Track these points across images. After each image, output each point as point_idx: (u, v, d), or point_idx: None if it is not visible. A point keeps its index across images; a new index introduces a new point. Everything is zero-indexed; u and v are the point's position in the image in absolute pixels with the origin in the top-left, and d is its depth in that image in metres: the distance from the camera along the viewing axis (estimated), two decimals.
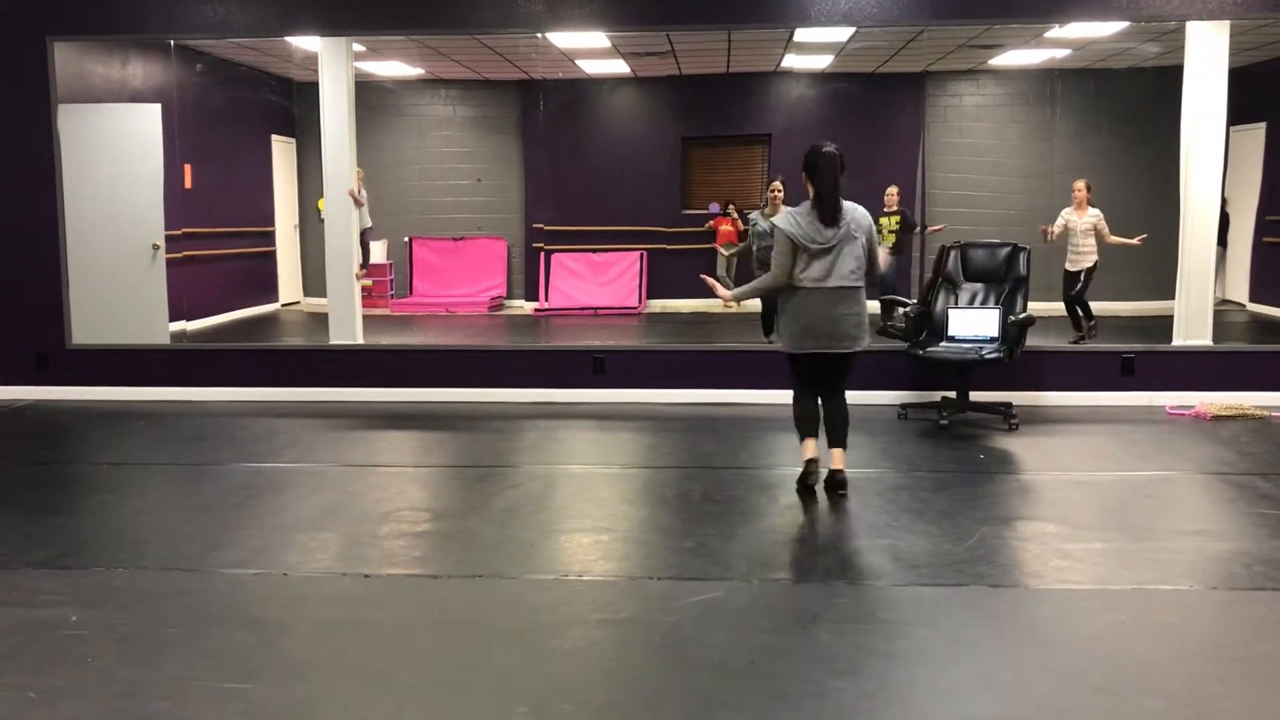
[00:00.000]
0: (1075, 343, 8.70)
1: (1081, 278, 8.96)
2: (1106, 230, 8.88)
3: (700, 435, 6.66)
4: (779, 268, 5.21)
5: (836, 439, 5.40)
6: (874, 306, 6.76)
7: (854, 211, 5.21)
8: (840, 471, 5.34)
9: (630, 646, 3.65)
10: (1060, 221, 9.00)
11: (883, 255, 5.51)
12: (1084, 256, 8.97)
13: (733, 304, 5.80)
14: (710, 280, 5.78)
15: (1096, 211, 8.91)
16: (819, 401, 5.43)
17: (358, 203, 8.40)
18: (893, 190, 10.58)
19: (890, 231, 10.56)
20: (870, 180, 10.79)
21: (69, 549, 4.64)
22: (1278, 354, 7.80)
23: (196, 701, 3.20)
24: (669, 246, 12.50)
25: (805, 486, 5.37)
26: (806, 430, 5.39)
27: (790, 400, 5.51)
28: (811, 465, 5.35)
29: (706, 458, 6.20)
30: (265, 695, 3.26)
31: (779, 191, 8.97)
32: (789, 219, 5.20)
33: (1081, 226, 8.90)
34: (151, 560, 4.49)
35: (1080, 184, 9.00)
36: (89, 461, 6.43)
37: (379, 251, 12.74)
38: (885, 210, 10.63)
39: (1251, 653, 3.55)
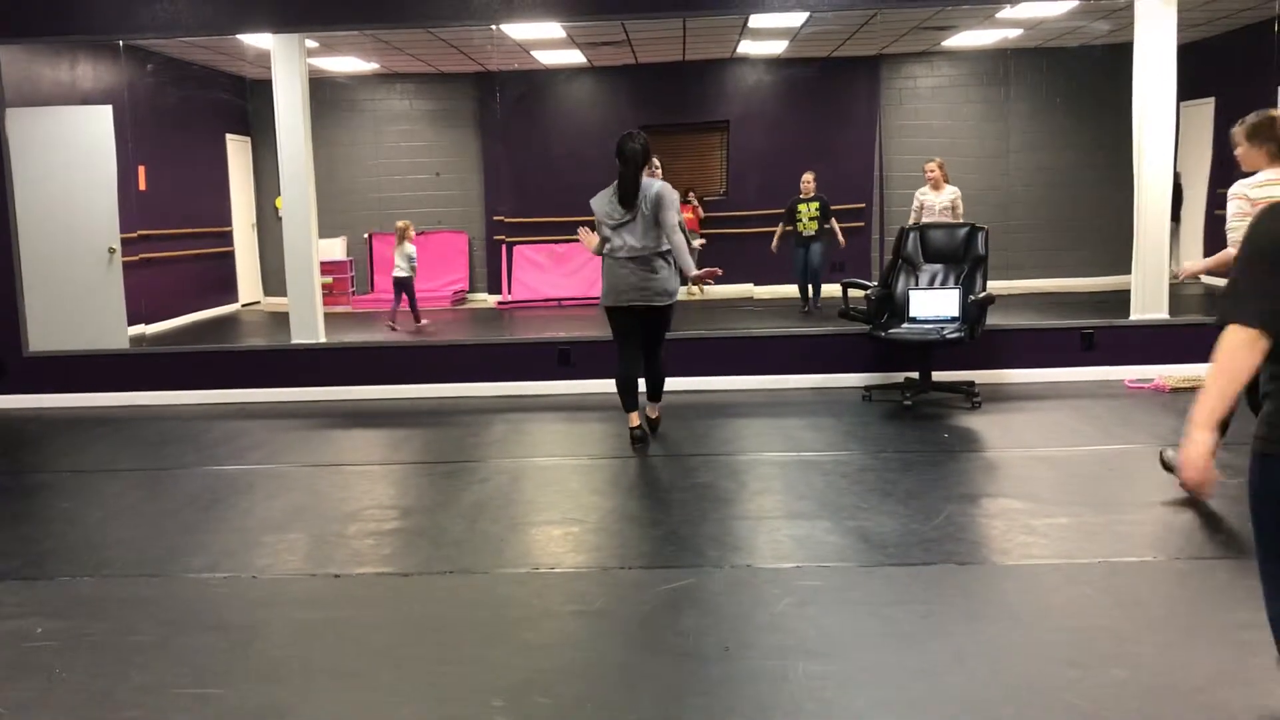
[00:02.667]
0: None
1: None
2: (961, 209, 8.96)
3: (667, 423, 6.67)
4: (596, 244, 6.20)
5: (653, 395, 6.44)
6: (835, 290, 6.82)
7: (649, 189, 5.97)
8: (655, 419, 6.49)
9: (604, 637, 3.66)
10: (916, 203, 9.10)
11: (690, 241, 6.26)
12: None
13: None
14: (583, 231, 6.45)
15: (954, 189, 9.01)
16: (638, 378, 6.25)
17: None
18: (809, 177, 10.50)
19: (811, 219, 10.51)
20: (827, 163, 10.86)
21: (33, 559, 4.58)
22: None
23: (169, 708, 3.18)
24: None
25: (635, 448, 6.16)
26: (629, 405, 6.23)
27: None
28: (636, 430, 6.20)
29: (674, 445, 6.22)
30: (238, 699, 3.24)
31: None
32: (599, 200, 6.11)
33: (940, 204, 9.00)
34: (118, 568, 4.45)
35: (933, 164, 9.11)
36: (50, 470, 6.35)
37: (338, 249, 12.65)
38: (802, 197, 10.57)
39: (1215, 620, 3.61)
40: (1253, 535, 2.40)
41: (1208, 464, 2.34)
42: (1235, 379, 2.32)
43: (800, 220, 10.55)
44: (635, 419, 6.21)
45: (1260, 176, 4.66)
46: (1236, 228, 4.63)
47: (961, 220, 8.83)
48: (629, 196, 5.96)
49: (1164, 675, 3.20)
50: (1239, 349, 2.31)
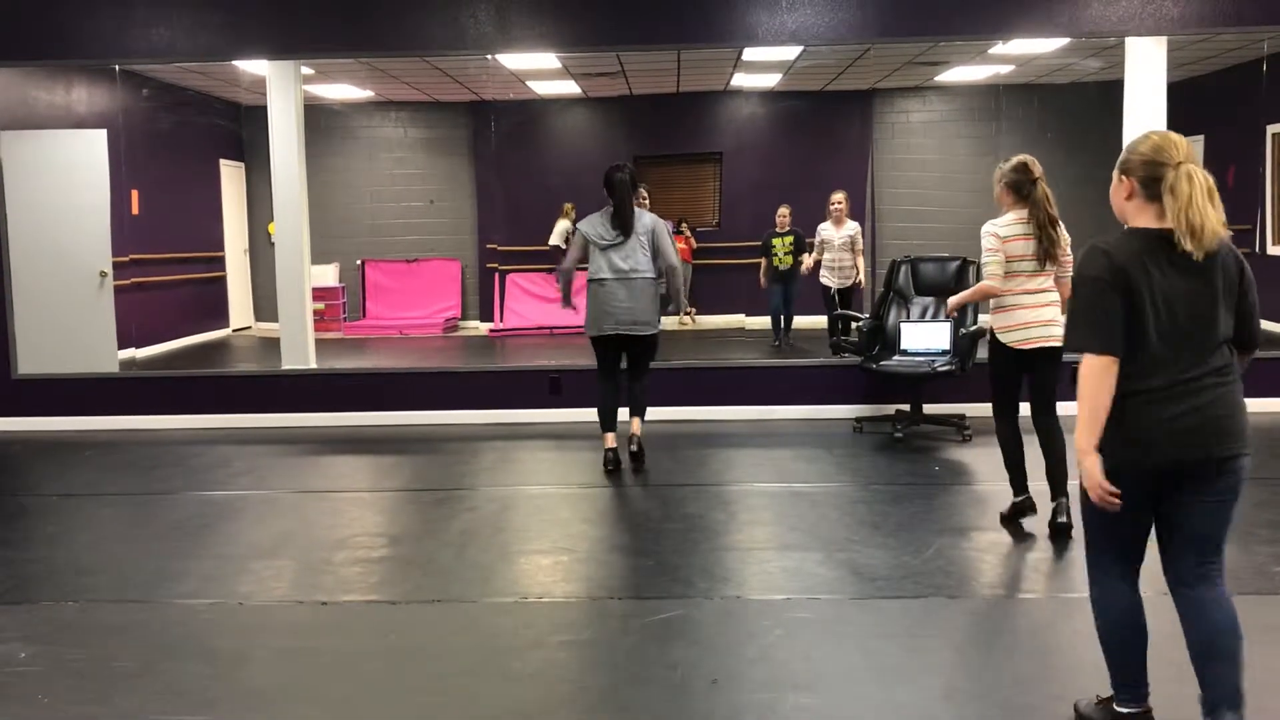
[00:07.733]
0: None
1: (839, 299, 9.20)
2: (860, 245, 9.19)
3: (658, 453, 6.66)
4: (570, 259, 6.39)
5: (636, 410, 6.34)
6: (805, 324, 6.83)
7: (643, 218, 6.18)
8: (637, 437, 6.31)
9: (592, 668, 3.64)
10: (817, 240, 9.25)
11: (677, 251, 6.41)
12: (846, 272, 9.22)
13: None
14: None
15: (855, 225, 9.18)
16: (618, 394, 6.34)
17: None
18: (785, 211, 10.32)
19: (786, 253, 10.37)
20: (820, 196, 10.88)
21: (17, 583, 4.54)
22: None
23: None
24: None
25: (607, 470, 6.19)
26: (607, 425, 6.27)
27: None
28: (611, 453, 6.22)
29: (664, 475, 6.20)
30: None
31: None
32: (588, 223, 6.20)
33: (839, 240, 9.08)
34: (103, 592, 4.42)
35: (838, 196, 9.25)
36: (37, 493, 6.31)
37: (331, 275, 12.65)
38: (778, 231, 10.31)
39: None
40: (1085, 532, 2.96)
41: (1103, 480, 2.72)
42: (1101, 402, 2.70)
43: (776, 255, 10.42)
44: (611, 439, 6.27)
45: (1009, 216, 4.88)
46: (989, 262, 4.85)
47: (860, 255, 9.20)
48: (626, 221, 6.09)
49: (1154, 710, 3.19)
50: (1098, 375, 2.70)
